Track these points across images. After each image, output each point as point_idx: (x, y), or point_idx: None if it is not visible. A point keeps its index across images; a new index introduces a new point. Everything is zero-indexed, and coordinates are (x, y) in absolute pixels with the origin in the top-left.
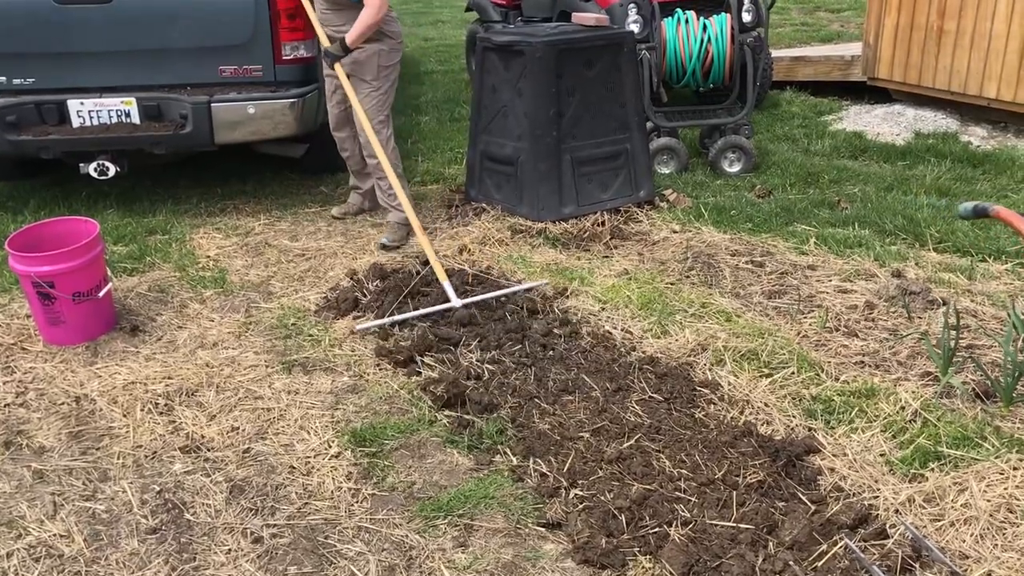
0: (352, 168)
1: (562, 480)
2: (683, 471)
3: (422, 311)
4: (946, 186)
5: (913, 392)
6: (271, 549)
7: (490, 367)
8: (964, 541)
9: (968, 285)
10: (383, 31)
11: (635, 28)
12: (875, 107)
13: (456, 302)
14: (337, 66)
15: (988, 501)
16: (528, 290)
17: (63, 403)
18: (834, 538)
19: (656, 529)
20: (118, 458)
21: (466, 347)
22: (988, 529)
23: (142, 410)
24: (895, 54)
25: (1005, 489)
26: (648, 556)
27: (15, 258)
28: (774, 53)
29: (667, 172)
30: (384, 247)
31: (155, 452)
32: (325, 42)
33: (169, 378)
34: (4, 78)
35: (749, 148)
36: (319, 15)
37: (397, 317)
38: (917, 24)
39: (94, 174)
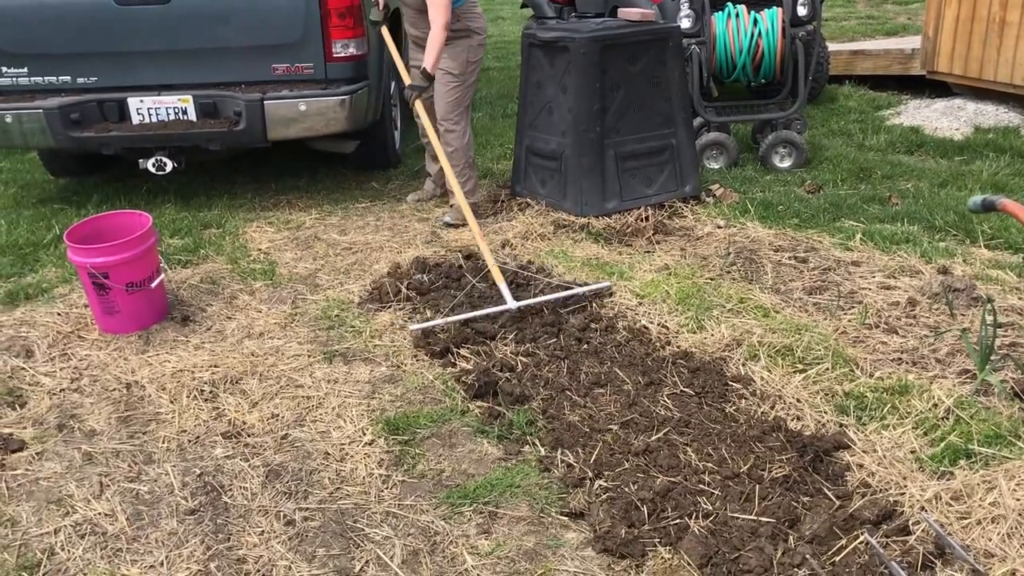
0: (430, 153)
1: (588, 471)
2: (709, 464)
3: (477, 312)
4: (1003, 182)
5: (948, 390)
6: (302, 532)
7: (524, 359)
8: (990, 540)
9: (1017, 283)
10: (471, 28)
11: (687, 23)
12: (935, 101)
13: (512, 304)
14: (417, 104)
15: (1017, 500)
16: (592, 293)
17: (115, 389)
18: (855, 533)
19: (677, 521)
20: (163, 442)
21: (502, 340)
22: (1016, 528)
23: (188, 397)
24: (955, 47)
25: None
26: (668, 547)
27: (73, 250)
28: (832, 47)
29: (716, 167)
30: (448, 224)
31: (198, 437)
32: (407, 78)
33: (215, 366)
34: (69, 77)
35: (800, 143)
36: (405, 18)
37: (452, 318)
38: (979, 16)
39: (152, 169)
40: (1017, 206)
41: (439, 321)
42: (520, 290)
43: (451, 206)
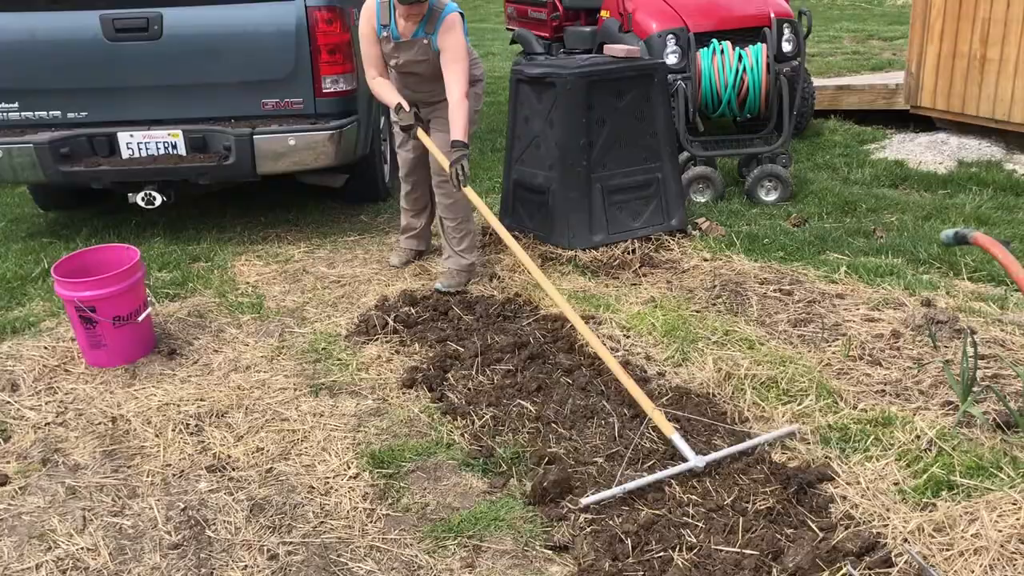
0: (412, 207)
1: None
2: (693, 496)
3: (659, 475)
4: (986, 215)
5: (931, 421)
6: (285, 566)
7: (510, 391)
8: (972, 571)
9: (999, 315)
10: (475, 76)
11: (673, 58)
12: (919, 136)
13: (697, 461)
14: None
15: (999, 531)
16: (782, 437)
17: (100, 423)
18: (838, 565)
19: (661, 553)
20: (147, 476)
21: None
22: (998, 560)
23: (173, 430)
24: (938, 82)
25: (1017, 519)
26: None
27: (60, 283)
28: (818, 82)
29: (703, 201)
30: (439, 292)
31: (183, 471)
32: (445, 163)
33: (201, 400)
34: (59, 112)
35: (786, 177)
36: (402, 80)
37: (629, 485)
38: (960, 52)
39: (142, 203)
40: (988, 240)
41: (616, 491)
42: (507, 318)
43: (445, 270)
